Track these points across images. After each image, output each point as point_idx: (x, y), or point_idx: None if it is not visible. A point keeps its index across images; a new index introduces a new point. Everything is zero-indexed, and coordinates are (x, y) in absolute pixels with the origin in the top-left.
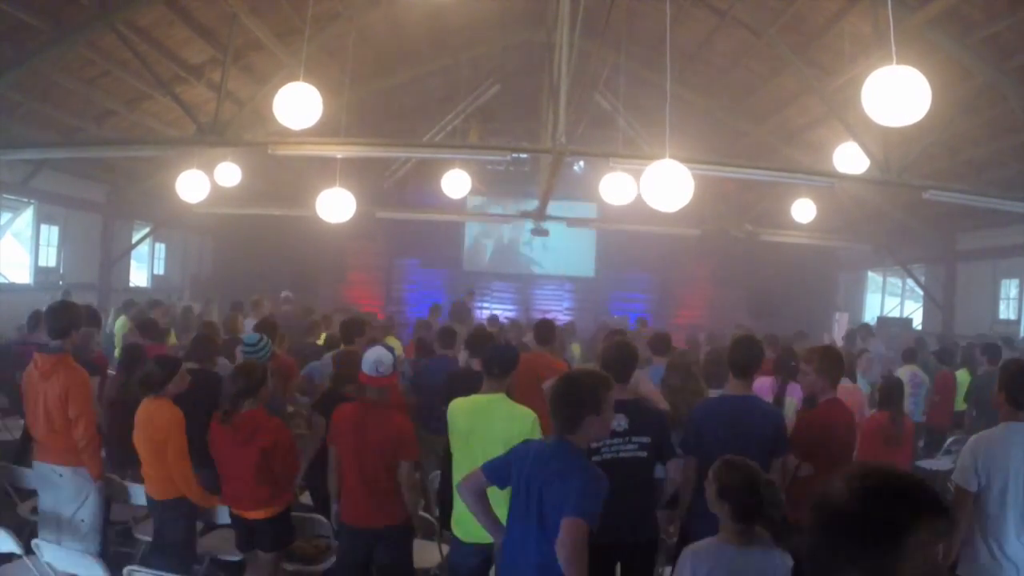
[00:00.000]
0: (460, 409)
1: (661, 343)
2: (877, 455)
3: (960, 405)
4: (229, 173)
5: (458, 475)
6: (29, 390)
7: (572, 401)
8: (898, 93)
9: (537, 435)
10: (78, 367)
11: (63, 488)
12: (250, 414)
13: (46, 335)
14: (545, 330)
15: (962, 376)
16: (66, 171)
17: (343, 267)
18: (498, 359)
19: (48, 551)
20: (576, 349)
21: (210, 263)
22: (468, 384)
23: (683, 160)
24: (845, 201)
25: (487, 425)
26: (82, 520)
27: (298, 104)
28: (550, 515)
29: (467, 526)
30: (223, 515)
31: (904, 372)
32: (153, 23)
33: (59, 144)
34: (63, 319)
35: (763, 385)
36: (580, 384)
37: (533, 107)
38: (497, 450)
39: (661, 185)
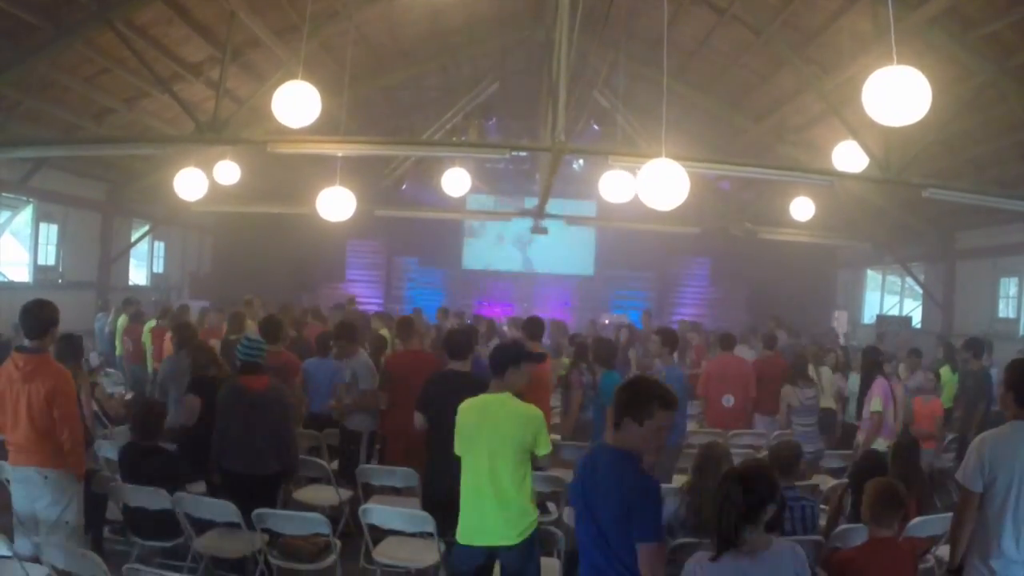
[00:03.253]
0: (469, 409)
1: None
2: None
3: (946, 403)
4: (228, 171)
5: (468, 476)
6: (6, 391)
7: (620, 400)
8: (899, 93)
9: (545, 434)
10: (62, 367)
11: (48, 491)
12: None
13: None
14: (534, 327)
15: (946, 374)
16: (65, 169)
17: (342, 265)
18: (494, 356)
19: (48, 550)
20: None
21: (209, 261)
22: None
23: (680, 158)
24: (844, 199)
25: (494, 425)
26: (66, 522)
27: (297, 102)
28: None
29: (469, 528)
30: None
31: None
32: (152, 21)
33: (58, 142)
34: (41, 317)
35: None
36: (637, 387)
37: (532, 105)
38: (507, 451)
39: (657, 183)
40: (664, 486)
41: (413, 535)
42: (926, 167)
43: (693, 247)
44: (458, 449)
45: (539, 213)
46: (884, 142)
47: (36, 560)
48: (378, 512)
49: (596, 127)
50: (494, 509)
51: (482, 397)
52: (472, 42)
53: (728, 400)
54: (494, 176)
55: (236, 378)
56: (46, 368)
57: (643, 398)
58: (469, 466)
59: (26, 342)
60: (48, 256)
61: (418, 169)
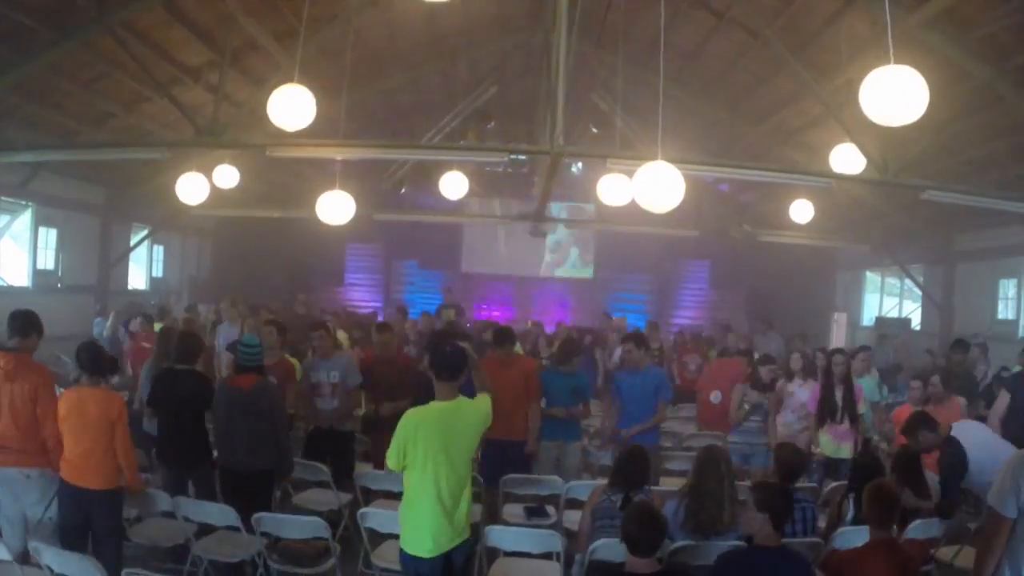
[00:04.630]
0: (431, 420)
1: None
2: None
3: None
4: (227, 175)
5: (436, 487)
6: None
7: None
8: (896, 92)
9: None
10: (43, 366)
11: (31, 490)
12: None
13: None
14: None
15: None
16: (64, 173)
17: (341, 269)
18: (453, 359)
19: (47, 554)
20: None
21: (208, 265)
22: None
23: (677, 161)
24: (843, 201)
25: (462, 429)
26: (50, 518)
27: (292, 106)
28: None
29: (435, 541)
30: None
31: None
32: (151, 25)
33: (57, 146)
34: (27, 318)
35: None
36: None
37: (531, 108)
38: (472, 447)
39: (653, 186)
40: (661, 488)
41: None
42: (924, 169)
43: (692, 250)
44: (424, 461)
45: (538, 216)
46: (882, 144)
47: (26, 562)
48: (377, 516)
49: (595, 130)
50: (457, 514)
51: (443, 405)
52: (471, 45)
53: (716, 397)
54: (493, 180)
55: (229, 378)
56: (28, 365)
57: None
58: (444, 474)
59: (9, 343)
60: (47, 260)
61: (417, 173)
